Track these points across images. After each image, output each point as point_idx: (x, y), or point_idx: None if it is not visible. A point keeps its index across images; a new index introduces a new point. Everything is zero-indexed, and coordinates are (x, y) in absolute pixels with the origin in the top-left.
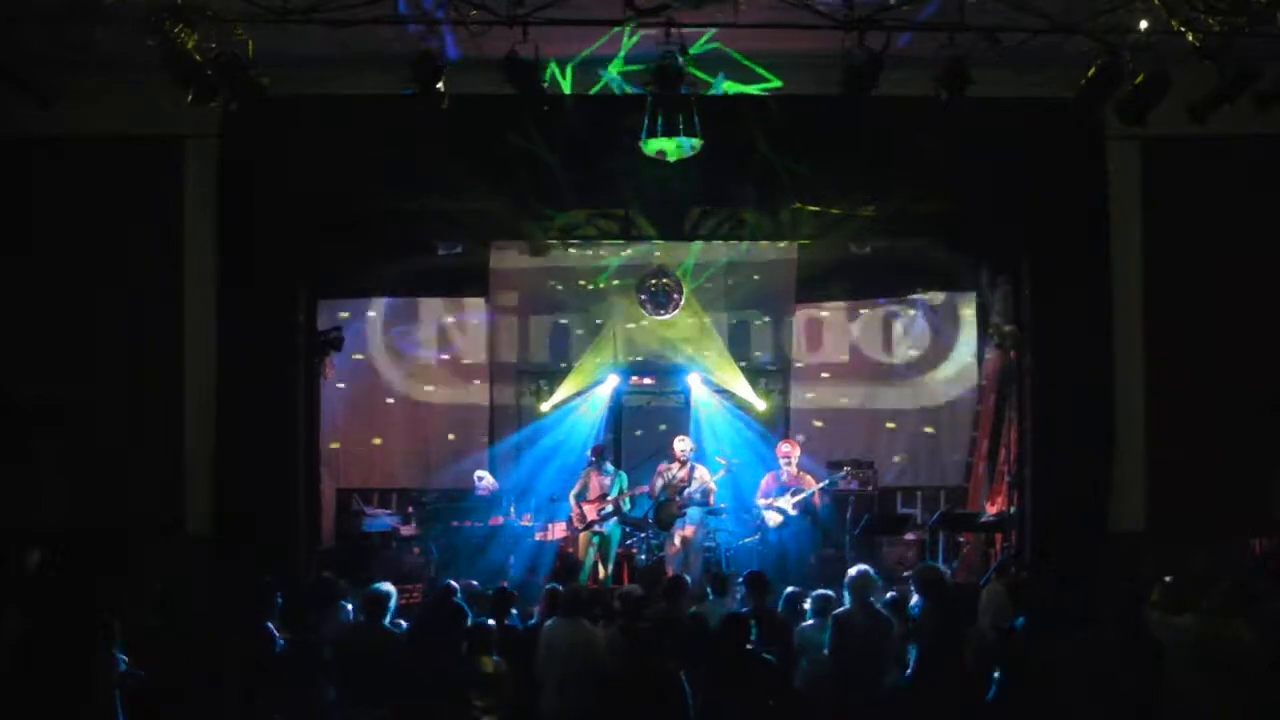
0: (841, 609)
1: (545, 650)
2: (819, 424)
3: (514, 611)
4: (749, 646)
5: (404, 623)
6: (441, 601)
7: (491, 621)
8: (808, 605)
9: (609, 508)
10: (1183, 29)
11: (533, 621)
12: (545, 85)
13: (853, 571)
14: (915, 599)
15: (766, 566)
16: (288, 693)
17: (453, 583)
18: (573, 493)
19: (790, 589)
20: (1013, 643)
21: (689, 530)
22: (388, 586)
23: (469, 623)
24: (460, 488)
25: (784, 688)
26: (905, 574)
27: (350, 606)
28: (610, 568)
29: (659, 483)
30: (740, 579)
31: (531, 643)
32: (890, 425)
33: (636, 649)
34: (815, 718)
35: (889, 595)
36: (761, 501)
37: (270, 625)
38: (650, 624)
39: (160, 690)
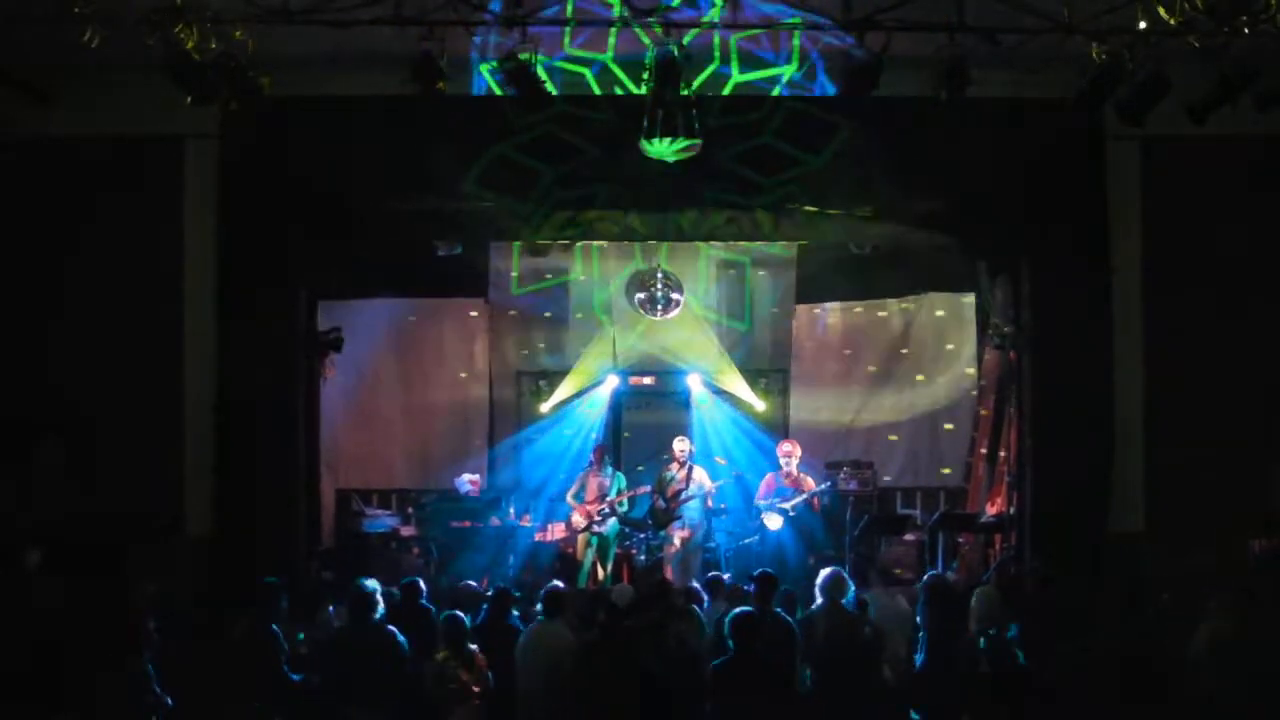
0: (809, 611)
1: (520, 653)
2: (818, 424)
3: (514, 612)
4: (753, 647)
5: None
6: (408, 599)
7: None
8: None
9: (607, 509)
10: (1183, 29)
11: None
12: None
13: (825, 572)
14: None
15: (766, 567)
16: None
17: (419, 580)
18: (570, 494)
19: (784, 588)
20: (1005, 645)
21: (688, 531)
22: (372, 583)
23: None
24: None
25: (785, 688)
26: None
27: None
28: (609, 569)
29: (659, 482)
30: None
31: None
32: (891, 427)
33: (614, 654)
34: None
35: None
36: (762, 502)
37: (276, 627)
38: (633, 629)
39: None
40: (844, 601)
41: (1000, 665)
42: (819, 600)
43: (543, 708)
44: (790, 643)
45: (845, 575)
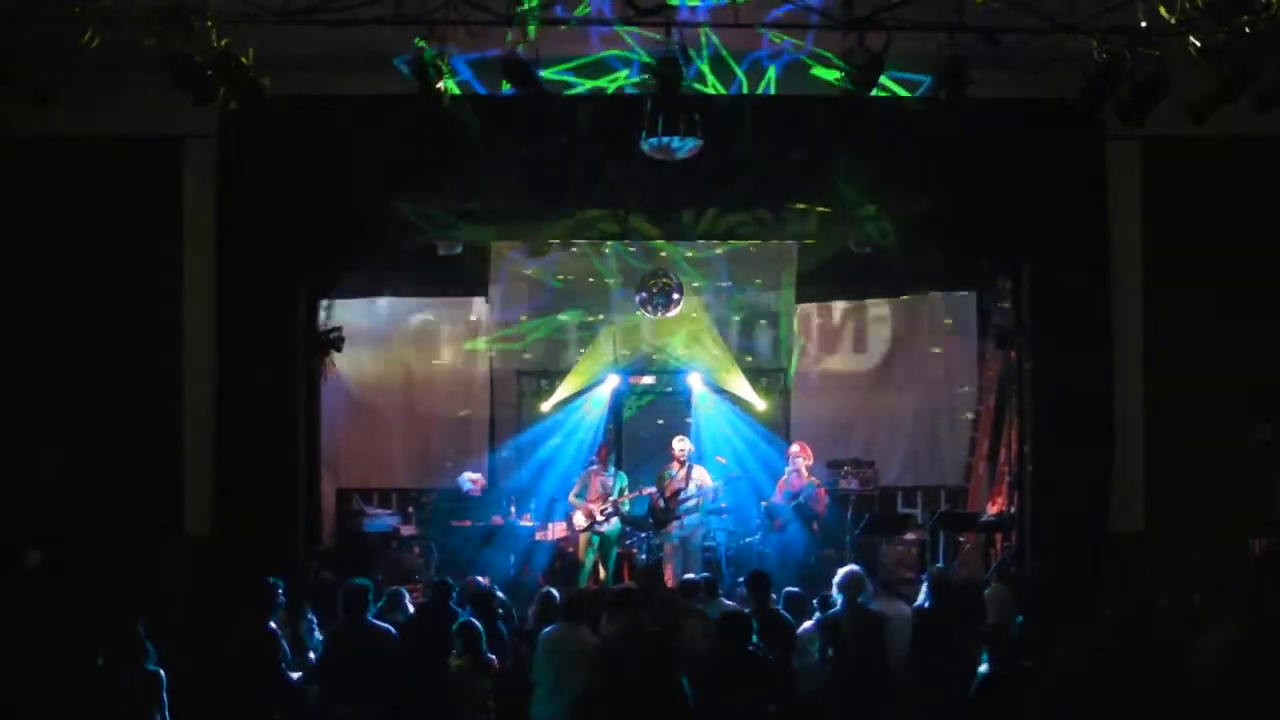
0: (830, 612)
1: (543, 655)
2: (819, 424)
3: (499, 611)
4: (750, 647)
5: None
6: (439, 600)
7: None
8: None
9: (611, 508)
10: (1183, 29)
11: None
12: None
13: (843, 571)
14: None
15: (766, 566)
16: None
17: (449, 580)
18: (572, 493)
19: (789, 589)
20: (1011, 644)
21: (688, 530)
22: (365, 581)
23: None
24: (460, 488)
25: (784, 688)
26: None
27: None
28: (610, 568)
29: (659, 482)
30: (741, 579)
31: (521, 645)
32: (891, 427)
33: (639, 652)
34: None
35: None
36: (772, 503)
37: (273, 625)
38: (655, 627)
39: None
40: (862, 600)
41: (1005, 664)
42: (838, 601)
43: (566, 706)
44: (787, 642)
45: (862, 574)
